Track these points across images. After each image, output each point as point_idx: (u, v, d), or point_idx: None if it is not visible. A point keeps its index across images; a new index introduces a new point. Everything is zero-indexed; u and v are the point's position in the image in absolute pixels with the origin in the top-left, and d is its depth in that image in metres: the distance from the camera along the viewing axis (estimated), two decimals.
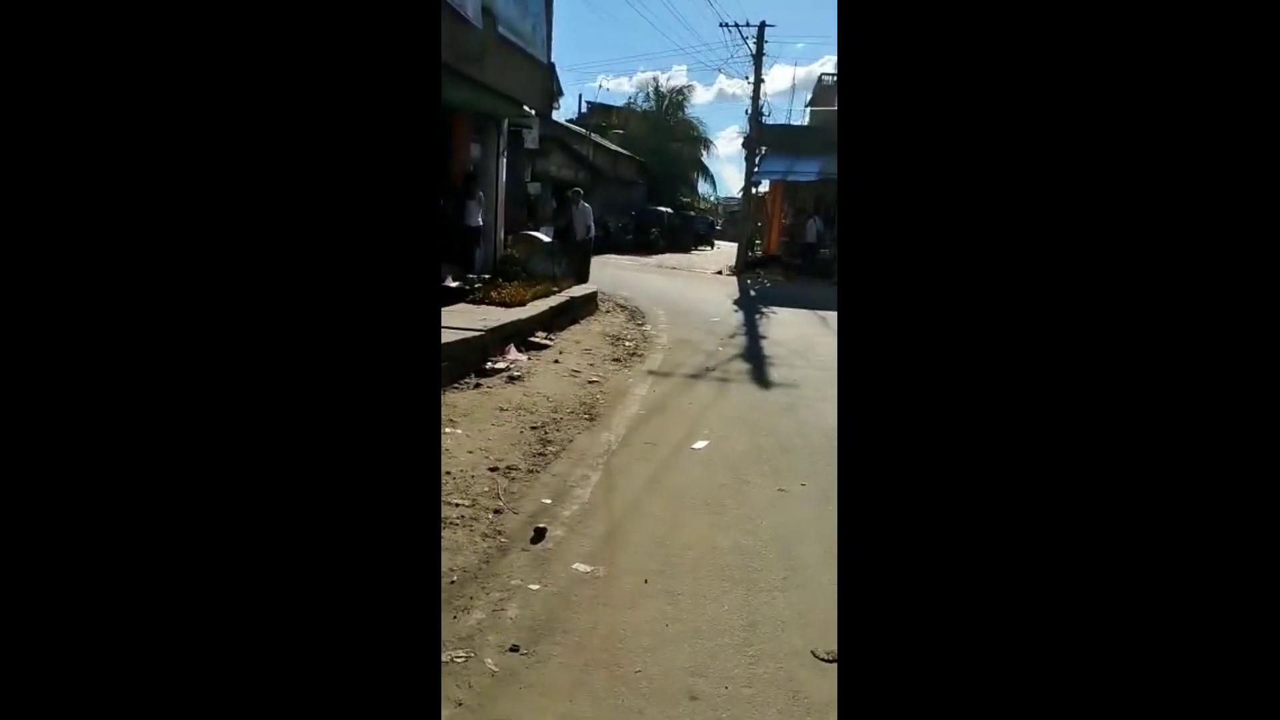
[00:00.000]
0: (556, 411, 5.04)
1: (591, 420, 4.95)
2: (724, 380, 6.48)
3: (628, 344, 7.91)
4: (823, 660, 2.32)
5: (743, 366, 7.12)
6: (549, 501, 3.51)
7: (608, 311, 10.10)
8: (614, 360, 7.02)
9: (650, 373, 6.63)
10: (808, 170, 17.98)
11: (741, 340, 8.67)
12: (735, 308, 11.66)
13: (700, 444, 4.55)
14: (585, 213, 11.63)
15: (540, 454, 4.18)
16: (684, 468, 4.13)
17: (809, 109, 26.62)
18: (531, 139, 17.71)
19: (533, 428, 4.63)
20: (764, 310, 11.25)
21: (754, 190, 20.10)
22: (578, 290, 9.65)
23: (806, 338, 8.86)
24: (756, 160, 18.87)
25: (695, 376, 6.53)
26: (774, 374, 6.83)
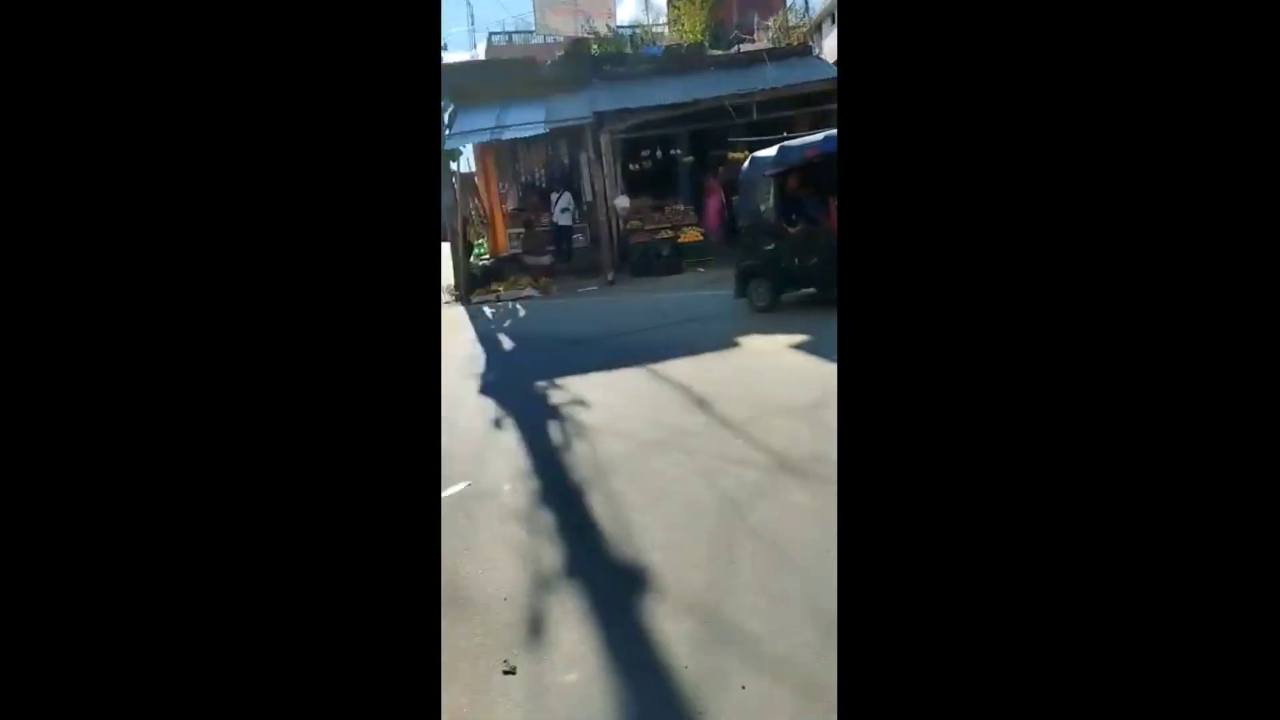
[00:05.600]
0: None
1: None
2: None
3: None
4: None
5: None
6: None
7: None
8: None
9: None
10: (527, 120, 11.56)
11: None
12: (489, 398, 5.56)
13: None
14: None
15: None
16: None
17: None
18: None
19: None
20: (545, 388, 5.47)
21: (453, 165, 12.59)
22: None
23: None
24: (447, 121, 11.81)
25: None
26: None
